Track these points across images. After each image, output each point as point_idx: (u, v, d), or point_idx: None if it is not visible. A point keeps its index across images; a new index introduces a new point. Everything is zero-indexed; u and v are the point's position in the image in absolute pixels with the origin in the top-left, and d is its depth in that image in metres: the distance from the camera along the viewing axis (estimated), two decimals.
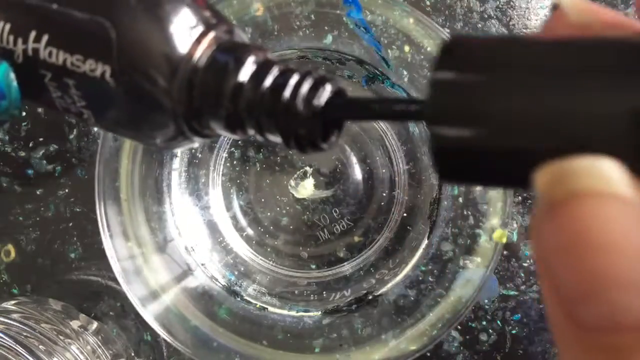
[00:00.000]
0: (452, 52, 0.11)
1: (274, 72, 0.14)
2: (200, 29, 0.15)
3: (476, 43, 0.11)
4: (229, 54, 0.15)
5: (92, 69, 0.15)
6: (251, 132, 0.15)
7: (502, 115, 0.10)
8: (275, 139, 0.15)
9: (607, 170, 0.09)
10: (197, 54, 0.15)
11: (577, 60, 0.10)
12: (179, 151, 0.29)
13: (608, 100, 0.09)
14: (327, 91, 0.14)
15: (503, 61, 0.10)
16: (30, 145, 0.32)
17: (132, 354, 0.30)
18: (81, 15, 0.15)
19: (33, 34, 0.15)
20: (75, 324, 0.28)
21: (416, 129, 0.29)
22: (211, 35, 0.15)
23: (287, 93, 0.14)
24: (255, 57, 0.15)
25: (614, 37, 0.10)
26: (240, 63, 0.14)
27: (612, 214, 0.09)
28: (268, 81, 0.14)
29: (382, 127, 0.30)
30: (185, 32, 0.15)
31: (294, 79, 0.14)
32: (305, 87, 0.14)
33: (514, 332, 0.31)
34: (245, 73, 0.14)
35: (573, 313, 0.09)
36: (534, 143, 0.10)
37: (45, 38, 0.15)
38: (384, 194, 0.30)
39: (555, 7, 0.11)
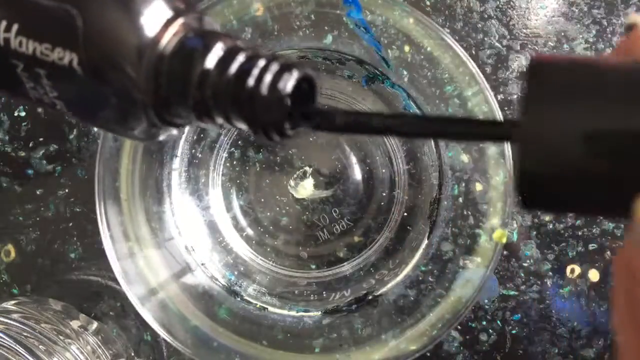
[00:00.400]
0: (540, 75, 0.11)
1: (240, 58, 0.14)
2: (168, 15, 0.15)
3: (562, 65, 0.11)
4: (196, 40, 0.14)
5: (60, 57, 0.14)
6: (219, 120, 0.15)
7: (601, 141, 0.10)
8: (243, 126, 0.14)
9: None
10: (164, 40, 0.14)
11: None
12: (179, 151, 0.29)
13: None
14: (293, 77, 0.14)
15: (594, 85, 0.10)
16: (30, 145, 0.32)
17: (132, 354, 0.30)
18: (49, 2, 0.15)
19: (4, 24, 0.15)
20: (75, 324, 0.28)
21: None
22: (179, 21, 0.15)
23: (251, 79, 0.14)
24: (223, 44, 0.14)
25: None
26: (207, 50, 0.14)
27: None
28: (233, 67, 0.14)
29: None
30: (151, 19, 0.14)
31: (260, 65, 0.14)
32: (270, 73, 0.14)
33: (514, 332, 0.31)
34: (211, 60, 0.14)
35: None
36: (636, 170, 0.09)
37: (15, 27, 0.15)
38: (384, 194, 0.30)
39: (630, 28, 0.11)
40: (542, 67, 0.11)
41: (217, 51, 0.14)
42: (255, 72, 0.14)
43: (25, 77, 0.15)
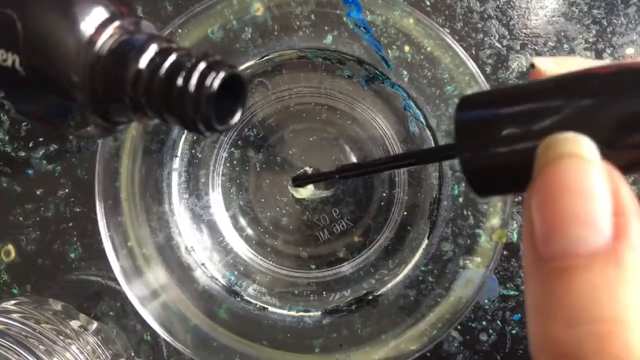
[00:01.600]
0: (464, 105, 0.16)
1: (172, 58, 0.15)
2: (103, 18, 0.15)
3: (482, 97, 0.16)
4: (131, 42, 0.15)
5: (4, 59, 0.15)
6: (154, 117, 0.16)
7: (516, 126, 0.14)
8: (175, 121, 0.15)
9: (582, 140, 0.13)
10: (100, 42, 0.15)
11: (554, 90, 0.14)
12: (179, 151, 0.29)
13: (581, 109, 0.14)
14: (219, 76, 0.15)
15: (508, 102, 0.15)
16: (30, 145, 0.32)
17: (132, 354, 0.30)
18: None
19: None
20: (75, 324, 0.28)
21: (416, 128, 0.29)
22: (115, 24, 0.15)
23: (180, 78, 0.15)
24: (157, 45, 0.15)
25: (569, 75, 0.14)
26: (141, 51, 0.15)
27: (581, 168, 0.13)
28: (164, 67, 0.15)
29: (382, 127, 0.30)
30: (87, 22, 0.15)
31: (189, 65, 0.15)
32: (198, 72, 0.15)
33: (514, 332, 0.31)
34: (144, 60, 0.15)
35: (537, 246, 0.13)
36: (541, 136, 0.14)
37: None
38: (384, 194, 0.30)
39: (532, 66, 0.16)
40: (465, 100, 0.16)
41: (150, 52, 0.15)
42: (185, 71, 0.15)
43: None
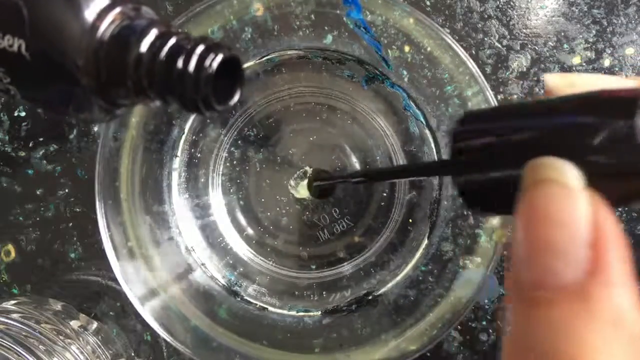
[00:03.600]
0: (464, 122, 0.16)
1: (171, 41, 0.16)
2: (105, 3, 0.16)
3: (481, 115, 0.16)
4: (132, 27, 0.16)
5: (10, 44, 0.16)
6: (156, 99, 0.16)
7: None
8: (177, 102, 0.16)
9: (563, 166, 0.12)
10: (103, 27, 0.16)
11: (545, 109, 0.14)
12: (179, 151, 0.29)
13: (570, 131, 0.13)
14: (219, 57, 0.15)
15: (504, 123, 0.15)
16: (30, 145, 0.32)
17: (132, 354, 0.30)
18: None
19: None
20: (75, 324, 0.28)
21: (416, 128, 0.29)
22: (117, 10, 0.16)
23: (180, 60, 0.15)
24: (157, 29, 0.16)
25: (570, 97, 0.14)
26: (142, 35, 0.16)
27: (558, 196, 0.12)
28: (165, 50, 0.15)
29: (382, 127, 0.30)
30: (90, 7, 0.16)
31: (189, 47, 0.15)
32: (197, 54, 0.15)
33: None
34: (145, 44, 0.16)
35: (517, 274, 0.12)
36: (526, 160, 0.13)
37: None
38: (384, 194, 0.30)
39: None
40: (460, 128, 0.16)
41: (151, 36, 0.16)
42: (184, 53, 0.15)
43: None
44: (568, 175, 0.12)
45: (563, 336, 0.11)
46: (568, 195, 0.12)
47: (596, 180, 0.12)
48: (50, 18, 0.16)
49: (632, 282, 0.12)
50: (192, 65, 0.15)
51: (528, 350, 0.12)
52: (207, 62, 0.15)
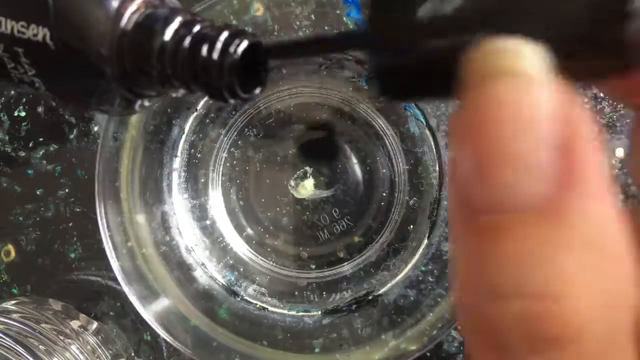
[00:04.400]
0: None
1: (196, 29, 0.15)
2: None
3: None
4: (155, 15, 0.16)
5: (35, 33, 0.16)
6: (181, 88, 0.16)
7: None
8: (201, 90, 0.16)
9: (526, 51, 0.09)
10: (126, 15, 0.16)
11: None
12: (179, 151, 0.29)
13: None
14: (243, 43, 0.15)
15: None
16: (30, 145, 0.32)
17: (132, 354, 0.30)
18: None
19: None
20: (75, 324, 0.28)
21: (416, 128, 0.29)
22: None
23: (204, 47, 0.15)
24: (181, 17, 0.16)
25: None
26: (166, 23, 0.15)
27: (519, 91, 0.09)
28: (189, 38, 0.15)
29: (382, 127, 0.30)
30: None
31: (213, 34, 0.15)
32: (221, 41, 0.15)
33: None
34: (169, 32, 0.15)
35: (462, 193, 0.09)
36: (472, 35, 0.10)
37: None
38: (384, 194, 0.30)
39: None
40: None
41: (175, 24, 0.16)
42: (209, 41, 0.15)
43: (7, 58, 0.16)
44: (531, 62, 0.09)
45: (529, 271, 0.09)
46: (528, 86, 0.09)
47: (565, 58, 0.09)
48: (75, 6, 0.16)
49: (612, 194, 0.09)
50: (216, 52, 0.15)
51: (487, 294, 0.09)
52: (232, 49, 0.15)
